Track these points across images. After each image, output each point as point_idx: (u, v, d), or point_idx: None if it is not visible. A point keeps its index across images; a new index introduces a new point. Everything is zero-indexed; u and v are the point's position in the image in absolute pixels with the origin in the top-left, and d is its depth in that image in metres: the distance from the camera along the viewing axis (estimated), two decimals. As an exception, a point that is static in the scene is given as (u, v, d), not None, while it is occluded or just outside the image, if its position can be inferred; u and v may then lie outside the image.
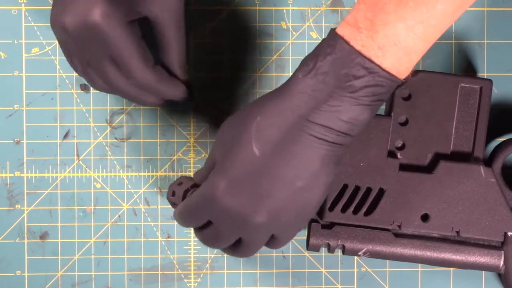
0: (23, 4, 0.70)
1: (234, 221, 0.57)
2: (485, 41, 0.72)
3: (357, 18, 0.54)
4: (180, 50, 0.63)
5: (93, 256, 0.71)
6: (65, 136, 0.71)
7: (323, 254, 0.71)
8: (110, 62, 0.59)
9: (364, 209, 0.66)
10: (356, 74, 0.54)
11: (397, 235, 0.67)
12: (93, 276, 0.71)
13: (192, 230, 0.71)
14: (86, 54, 0.60)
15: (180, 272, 0.71)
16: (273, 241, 0.60)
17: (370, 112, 0.55)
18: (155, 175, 0.71)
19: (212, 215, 0.58)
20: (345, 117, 0.55)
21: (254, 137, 0.56)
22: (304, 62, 0.56)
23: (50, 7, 0.70)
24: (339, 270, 0.72)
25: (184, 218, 0.61)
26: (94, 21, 0.57)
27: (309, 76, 0.55)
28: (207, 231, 0.60)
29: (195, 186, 0.62)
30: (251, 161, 0.56)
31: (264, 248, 0.71)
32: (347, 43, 0.54)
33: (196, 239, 0.71)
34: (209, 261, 0.71)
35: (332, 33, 0.55)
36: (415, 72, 0.66)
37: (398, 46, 0.53)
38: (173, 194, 0.63)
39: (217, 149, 0.58)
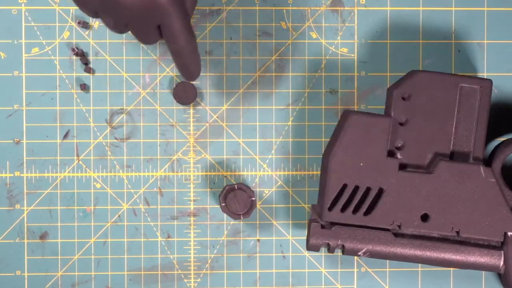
0: (23, 4, 0.70)
1: None
2: (485, 41, 0.72)
3: None
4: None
5: (93, 256, 0.71)
6: (65, 136, 0.71)
7: (323, 254, 0.71)
8: (156, 27, 0.60)
9: (363, 209, 0.66)
10: None
11: (397, 235, 0.67)
12: (93, 276, 0.71)
13: (191, 231, 0.71)
14: (132, 21, 0.60)
15: (180, 272, 0.71)
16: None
17: None
18: (155, 175, 0.71)
19: None
20: None
21: None
22: None
23: (50, 7, 0.70)
24: (339, 270, 0.72)
25: None
26: (164, 5, 0.58)
27: None
28: None
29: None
30: None
31: (263, 248, 0.71)
32: None
33: (196, 239, 0.71)
34: (209, 261, 0.71)
35: None
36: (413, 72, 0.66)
37: None
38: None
39: None
